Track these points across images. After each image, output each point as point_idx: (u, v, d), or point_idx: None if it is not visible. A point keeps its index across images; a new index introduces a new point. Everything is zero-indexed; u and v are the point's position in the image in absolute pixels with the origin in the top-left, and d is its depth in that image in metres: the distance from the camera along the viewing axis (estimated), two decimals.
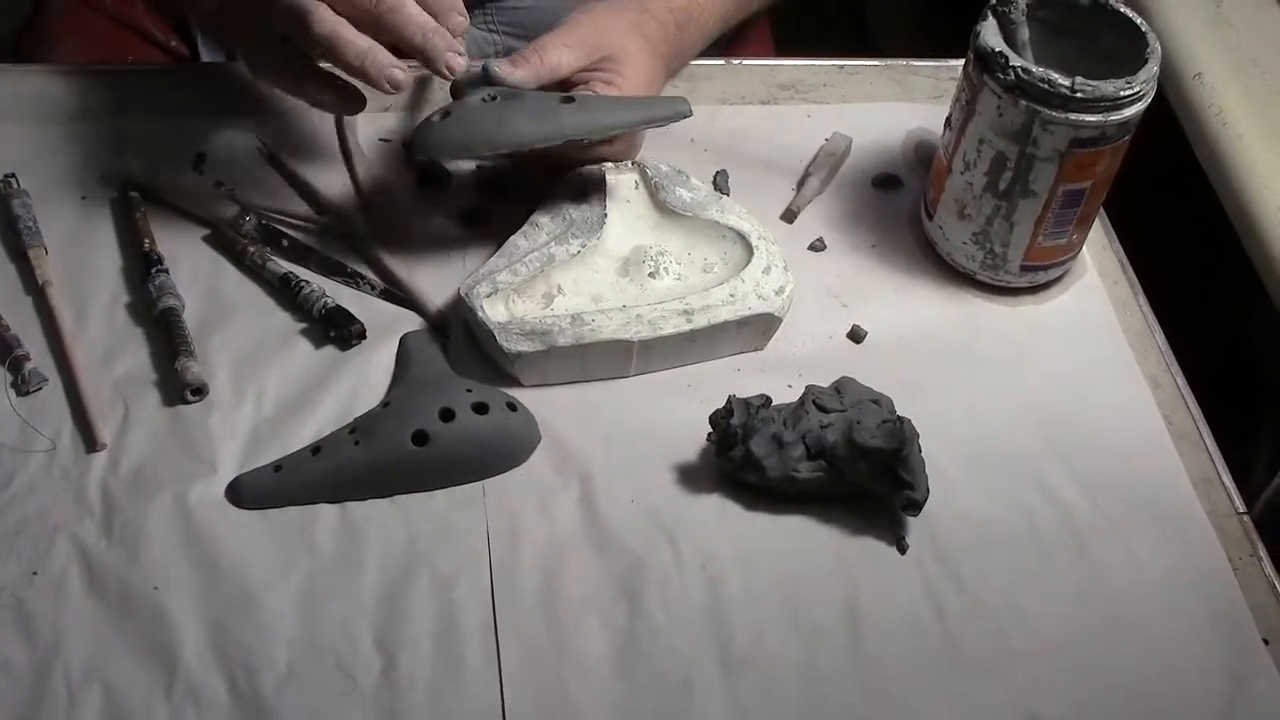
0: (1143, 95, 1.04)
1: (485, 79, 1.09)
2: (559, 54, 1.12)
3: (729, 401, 0.99)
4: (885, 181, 1.21)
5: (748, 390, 1.02)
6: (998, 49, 1.04)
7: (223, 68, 1.26)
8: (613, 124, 1.07)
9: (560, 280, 1.06)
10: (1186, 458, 1.06)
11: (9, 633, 0.90)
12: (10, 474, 0.97)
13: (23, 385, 1.01)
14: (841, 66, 1.29)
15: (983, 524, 1.01)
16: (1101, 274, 1.17)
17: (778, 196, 1.19)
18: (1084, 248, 1.17)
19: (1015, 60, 1.03)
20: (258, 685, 0.89)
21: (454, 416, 0.98)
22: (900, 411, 1.01)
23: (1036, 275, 1.13)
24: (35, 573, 0.93)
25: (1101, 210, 1.21)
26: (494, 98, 1.06)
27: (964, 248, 1.12)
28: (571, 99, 1.06)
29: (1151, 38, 1.06)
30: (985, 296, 1.14)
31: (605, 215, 1.09)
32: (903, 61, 1.30)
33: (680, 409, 1.03)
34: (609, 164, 1.13)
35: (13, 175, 1.12)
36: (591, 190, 1.11)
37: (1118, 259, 1.19)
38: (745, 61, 1.30)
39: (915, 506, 0.98)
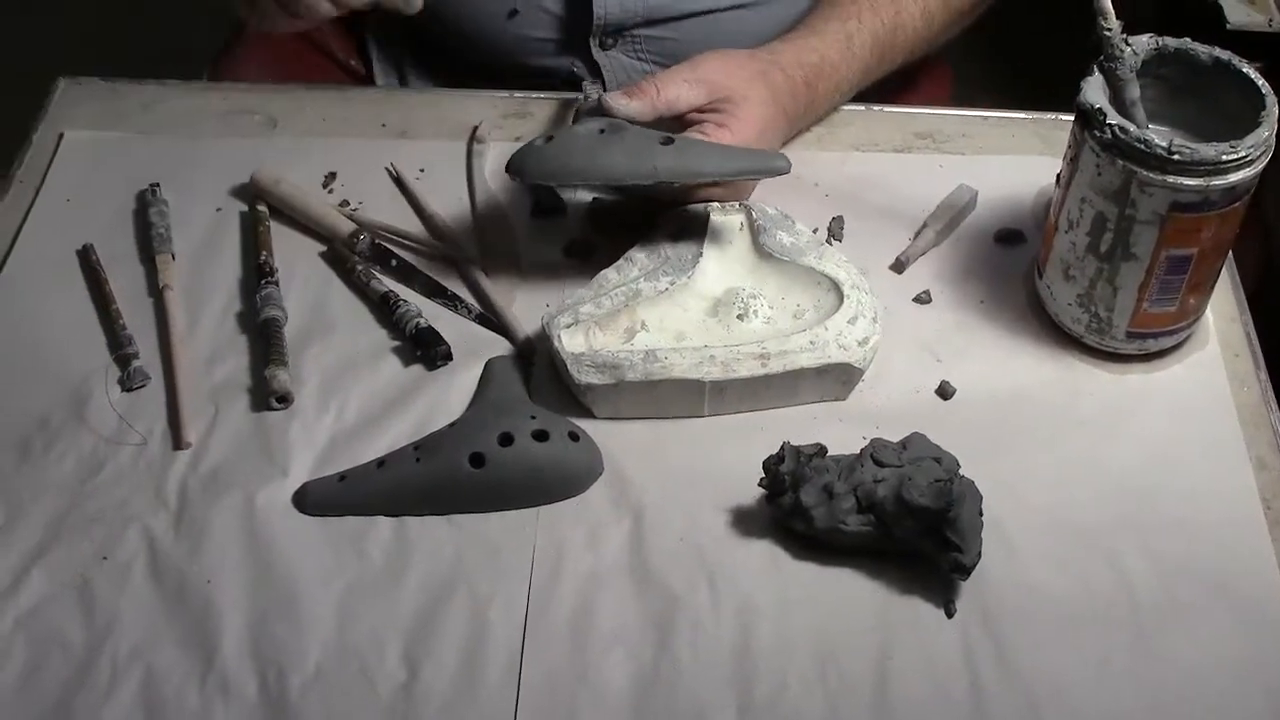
0: (1250, 161, 0.98)
1: (599, 109, 1.11)
2: (677, 89, 1.13)
3: (782, 448, 0.98)
4: (1008, 237, 1.18)
5: (821, 438, 1.01)
6: (1096, 105, 1.00)
7: (366, 91, 1.31)
8: (706, 171, 1.07)
9: (645, 316, 1.07)
10: None
11: (72, 609, 0.96)
12: (101, 463, 1.03)
13: (127, 382, 1.08)
14: (985, 118, 1.26)
15: (1039, 596, 0.97)
16: (1224, 345, 1.11)
17: (892, 246, 1.17)
18: (1209, 318, 1.11)
19: (1113, 118, 0.99)
20: (285, 684, 0.93)
21: (512, 441, 1.00)
22: (976, 473, 0.98)
23: (1145, 343, 1.08)
24: (105, 557, 0.99)
25: (1236, 280, 1.15)
26: (603, 130, 1.08)
27: (1069, 309, 1.09)
28: (671, 140, 1.07)
29: (1270, 100, 1.01)
30: (1091, 361, 1.10)
31: (700, 255, 1.10)
32: (1050, 115, 1.26)
33: (747, 452, 1.02)
34: (716, 204, 1.13)
35: (156, 185, 1.19)
36: (692, 229, 1.12)
37: (1245, 331, 1.12)
38: (884, 109, 1.28)
39: (963, 570, 0.95)
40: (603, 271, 1.10)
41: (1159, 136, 0.98)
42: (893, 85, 1.34)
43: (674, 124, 1.14)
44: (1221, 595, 0.98)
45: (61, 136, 1.25)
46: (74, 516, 1.01)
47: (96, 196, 1.21)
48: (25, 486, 1.02)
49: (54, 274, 1.16)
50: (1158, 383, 1.09)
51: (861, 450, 0.99)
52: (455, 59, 1.40)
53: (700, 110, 1.14)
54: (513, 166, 1.09)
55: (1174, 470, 1.04)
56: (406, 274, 1.15)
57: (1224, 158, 0.97)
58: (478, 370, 1.09)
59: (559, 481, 1.02)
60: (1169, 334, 1.08)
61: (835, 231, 1.18)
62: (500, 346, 1.11)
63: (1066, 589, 0.98)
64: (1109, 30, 1.01)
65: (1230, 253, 1.11)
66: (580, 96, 1.15)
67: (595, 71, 1.36)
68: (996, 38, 1.38)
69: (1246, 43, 1.10)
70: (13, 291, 1.15)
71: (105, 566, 0.98)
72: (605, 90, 1.16)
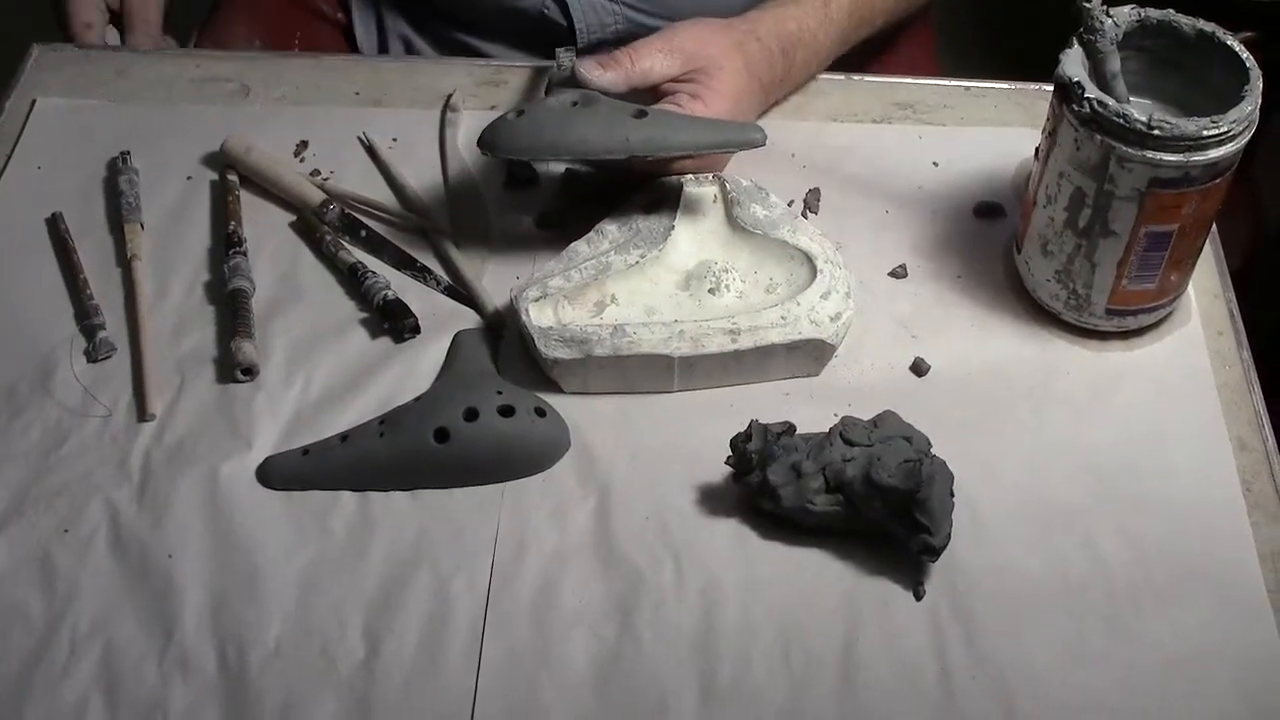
0: (1232, 136, 0.96)
1: (573, 80, 1.09)
2: (651, 59, 1.11)
3: (750, 426, 0.97)
4: (987, 210, 1.16)
5: (793, 415, 0.99)
6: (1075, 79, 0.98)
7: (340, 59, 1.30)
8: (679, 144, 1.05)
9: (615, 290, 1.06)
10: (1259, 528, 0.99)
11: (32, 582, 0.95)
12: (66, 435, 1.02)
13: (94, 353, 1.06)
14: (968, 88, 1.24)
15: (1011, 578, 0.96)
16: (1205, 323, 1.09)
17: (869, 219, 1.15)
18: (1191, 294, 1.10)
19: (1091, 92, 0.97)
20: (245, 660, 0.92)
21: (477, 416, 0.99)
22: (949, 452, 0.97)
23: (1124, 320, 1.06)
24: (66, 530, 0.97)
25: (1220, 256, 1.13)
26: (575, 103, 1.07)
27: (1048, 285, 1.07)
28: (644, 113, 1.06)
29: (1254, 74, 0.99)
30: (1069, 338, 1.08)
31: (672, 227, 1.08)
32: (1034, 85, 1.24)
33: (716, 430, 1.00)
34: (690, 176, 1.11)
35: (127, 153, 1.18)
36: (664, 201, 1.10)
37: (1228, 309, 1.10)
38: (865, 78, 1.26)
39: (931, 552, 0.94)
40: (573, 244, 1.08)
41: (1139, 111, 0.96)
42: (873, 49, 1.32)
43: (648, 95, 1.12)
44: (1199, 578, 0.96)
45: (34, 103, 1.24)
46: (37, 489, 0.99)
47: (67, 164, 1.19)
48: None
49: (22, 243, 1.14)
50: (1137, 361, 1.07)
51: (831, 429, 0.98)
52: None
53: (675, 81, 1.12)
54: (484, 141, 1.07)
55: (1153, 450, 1.02)
56: (376, 245, 1.13)
57: (1205, 133, 0.95)
58: (446, 343, 1.07)
59: (524, 457, 1.00)
60: (1149, 311, 1.07)
61: (811, 204, 1.16)
62: (469, 319, 1.09)
63: (1040, 571, 0.96)
64: (1088, 1, 0.99)
65: (1214, 228, 1.10)
66: (553, 66, 1.14)
67: (565, 12, 1.33)
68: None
69: (1238, 13, 1.07)
70: None
71: (67, 539, 0.97)
72: (577, 58, 1.14)
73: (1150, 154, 0.96)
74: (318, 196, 1.15)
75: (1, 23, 1.76)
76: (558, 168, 1.17)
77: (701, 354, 1.02)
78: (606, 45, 1.30)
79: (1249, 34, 1.10)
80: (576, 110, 1.06)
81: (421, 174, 1.18)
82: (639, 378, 1.04)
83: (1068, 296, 1.06)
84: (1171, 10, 1.03)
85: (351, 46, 1.43)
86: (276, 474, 1.00)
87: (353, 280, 1.10)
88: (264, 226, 1.15)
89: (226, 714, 0.90)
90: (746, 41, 1.15)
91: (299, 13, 1.45)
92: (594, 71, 1.10)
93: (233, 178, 1.17)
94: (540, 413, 1.01)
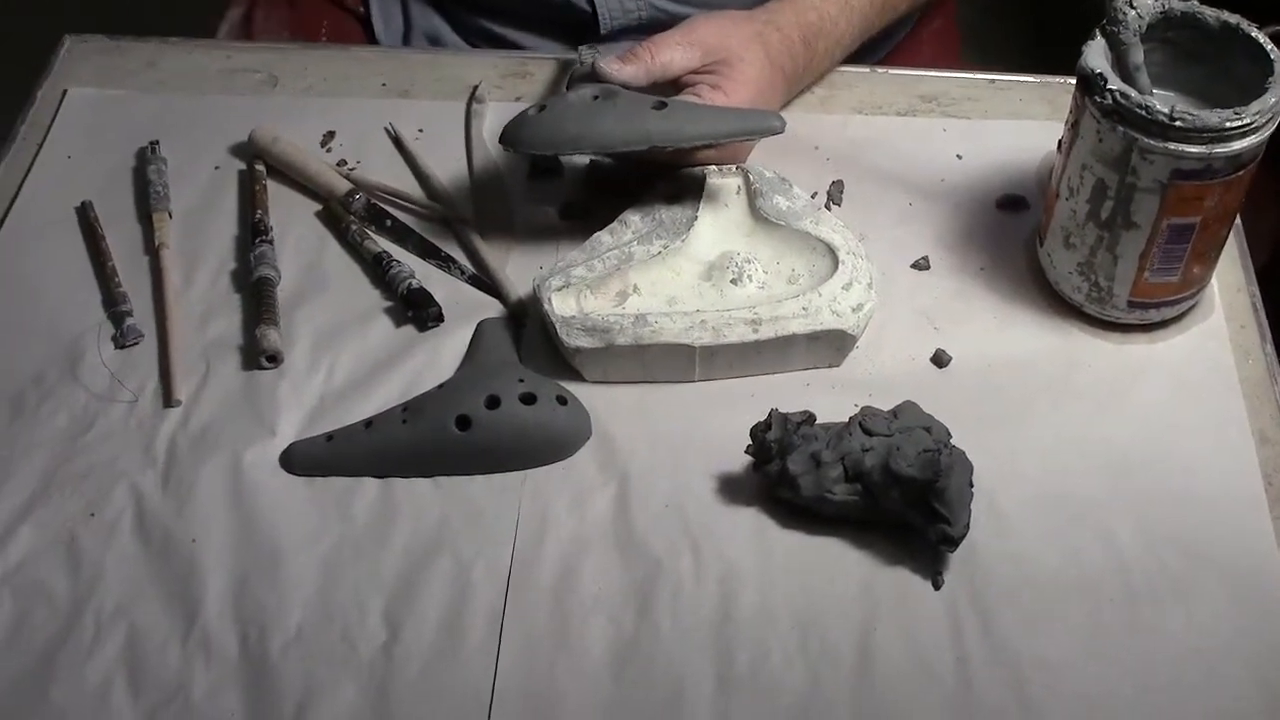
0: (1255, 128, 0.96)
1: (594, 75, 1.10)
2: (671, 52, 1.12)
3: (770, 415, 0.97)
4: (1010, 203, 1.16)
5: (813, 405, 0.99)
6: (1097, 70, 0.98)
7: (367, 50, 1.32)
8: (699, 134, 1.06)
9: (637, 280, 1.06)
10: None
11: (59, 564, 0.97)
12: (93, 420, 1.03)
13: (121, 339, 1.07)
14: (992, 81, 1.24)
15: (1029, 569, 0.96)
16: (1229, 317, 1.09)
17: (892, 211, 1.16)
18: (1214, 287, 1.09)
19: (1113, 83, 0.97)
20: (266, 644, 0.93)
21: (499, 404, 1.00)
22: (969, 444, 0.97)
23: (1147, 313, 1.06)
24: (93, 513, 0.99)
25: (1244, 249, 1.13)
26: (596, 96, 1.07)
27: (1070, 278, 1.07)
28: (664, 104, 1.06)
29: (1279, 67, 0.98)
30: (1091, 331, 1.08)
31: (695, 218, 1.09)
32: (1058, 79, 1.24)
33: (737, 419, 1.00)
34: (713, 167, 1.12)
35: (156, 142, 1.19)
36: (687, 192, 1.11)
37: (1251, 302, 1.10)
38: (889, 71, 1.26)
39: (950, 542, 0.94)
40: (596, 234, 1.09)
41: (1160, 102, 0.96)
42: (897, 44, 1.32)
43: (670, 88, 1.12)
44: (1218, 572, 0.96)
45: (65, 93, 1.25)
46: (64, 473, 1.01)
47: (97, 153, 1.21)
48: (18, 442, 1.02)
49: (53, 230, 1.16)
50: (1159, 354, 1.07)
51: (850, 418, 0.98)
52: None
53: (695, 73, 1.13)
54: (506, 138, 1.08)
55: (1173, 444, 1.02)
56: (401, 234, 1.14)
57: (1227, 125, 0.95)
58: (469, 332, 1.08)
59: (545, 445, 1.01)
60: (1171, 304, 1.06)
61: (834, 196, 1.16)
62: (492, 308, 1.10)
63: (1058, 563, 0.96)
64: None
65: (1238, 221, 1.09)
66: (575, 61, 1.14)
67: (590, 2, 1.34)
68: None
69: (1263, 5, 1.07)
70: (12, 247, 1.15)
71: (92, 523, 0.98)
72: (599, 53, 1.15)
73: (1172, 145, 0.96)
74: (344, 186, 1.16)
75: (34, 16, 1.78)
76: (582, 159, 1.18)
77: (722, 343, 1.02)
78: (631, 33, 1.31)
79: (1277, 28, 1.09)
80: (597, 104, 1.06)
81: (447, 164, 1.19)
82: (660, 367, 1.04)
83: (1089, 289, 1.06)
84: (1195, 2, 1.03)
85: (371, 38, 1.44)
86: (300, 460, 1.01)
87: (377, 269, 1.11)
88: (290, 216, 1.16)
89: (247, 697, 0.91)
90: (766, 32, 1.16)
91: (324, 4, 1.46)
92: (614, 66, 1.10)
93: (260, 167, 1.18)
94: (562, 401, 1.01)
